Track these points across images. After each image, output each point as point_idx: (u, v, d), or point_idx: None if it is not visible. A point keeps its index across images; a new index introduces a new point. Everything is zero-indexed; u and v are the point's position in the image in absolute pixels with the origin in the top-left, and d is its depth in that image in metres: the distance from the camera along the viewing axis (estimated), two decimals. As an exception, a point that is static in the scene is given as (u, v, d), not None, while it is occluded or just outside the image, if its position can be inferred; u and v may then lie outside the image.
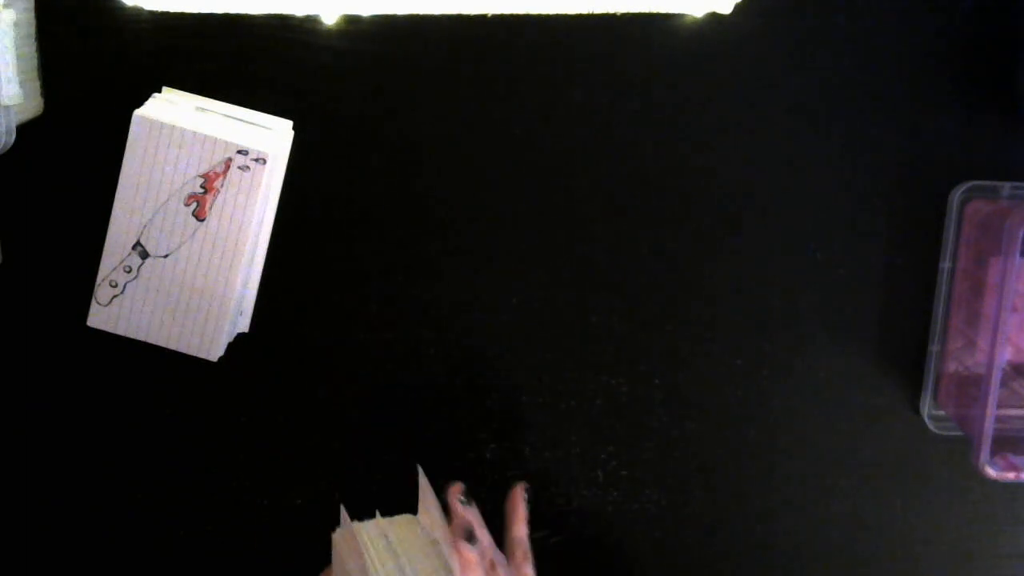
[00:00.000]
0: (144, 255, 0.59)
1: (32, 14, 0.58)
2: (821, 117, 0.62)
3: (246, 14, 0.58)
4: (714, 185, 0.62)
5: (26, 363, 0.63)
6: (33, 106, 0.59)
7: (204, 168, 0.58)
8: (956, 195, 0.62)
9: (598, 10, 0.58)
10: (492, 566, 0.51)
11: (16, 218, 0.61)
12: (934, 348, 0.64)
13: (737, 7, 0.58)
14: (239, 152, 0.58)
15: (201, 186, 0.58)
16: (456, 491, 0.54)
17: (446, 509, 0.53)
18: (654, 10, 0.58)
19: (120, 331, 0.60)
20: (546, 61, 0.60)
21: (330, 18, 0.58)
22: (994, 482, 0.60)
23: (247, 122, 0.60)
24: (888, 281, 0.64)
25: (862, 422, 0.65)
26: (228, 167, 0.58)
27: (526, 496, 0.58)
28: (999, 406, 0.58)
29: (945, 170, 0.62)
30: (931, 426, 0.64)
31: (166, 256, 0.59)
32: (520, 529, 0.56)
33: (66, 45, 0.59)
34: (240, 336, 0.63)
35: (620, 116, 0.61)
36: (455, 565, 0.48)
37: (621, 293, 0.63)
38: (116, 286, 0.59)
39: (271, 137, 0.59)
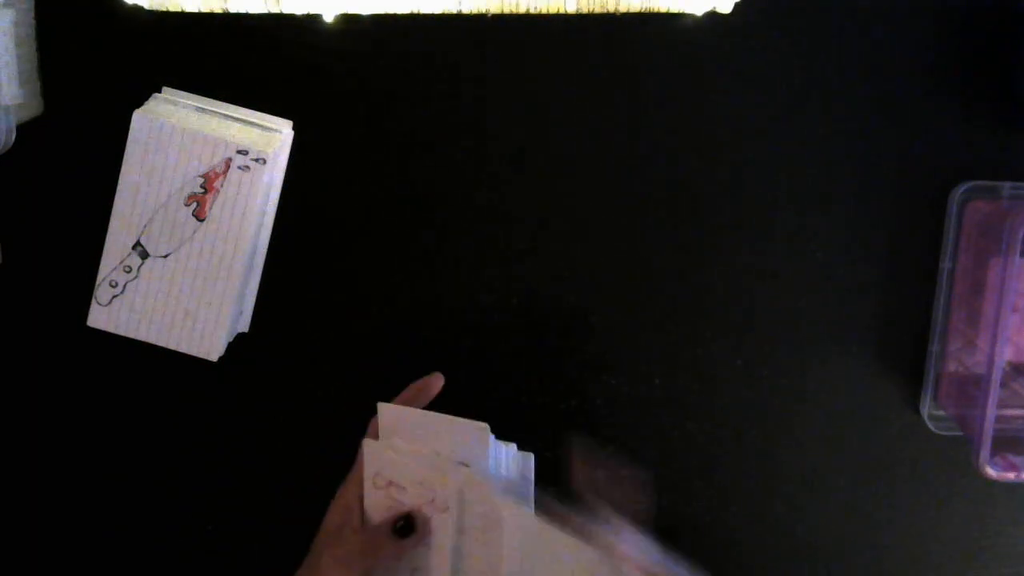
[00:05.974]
0: (144, 255, 0.59)
1: (32, 14, 0.58)
2: (821, 117, 0.62)
3: (246, 14, 0.58)
4: (714, 184, 0.62)
5: (26, 363, 0.63)
6: (33, 106, 0.59)
7: (204, 168, 0.58)
8: (956, 195, 0.62)
9: (598, 10, 0.58)
10: None
11: (16, 218, 0.61)
12: (934, 348, 0.64)
13: (737, 6, 0.58)
14: (239, 152, 0.58)
15: (201, 186, 0.58)
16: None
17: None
18: (654, 9, 0.58)
19: (120, 331, 0.60)
20: (546, 61, 0.60)
21: (330, 17, 0.58)
22: (994, 482, 0.60)
23: (247, 122, 0.60)
24: (888, 281, 0.64)
25: (862, 422, 0.65)
26: (228, 167, 0.58)
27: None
28: (999, 406, 0.58)
29: (945, 170, 0.62)
30: (931, 426, 0.64)
31: (166, 256, 0.59)
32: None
33: (66, 45, 0.59)
34: (240, 336, 0.63)
35: (620, 115, 0.61)
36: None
37: (621, 293, 0.63)
38: (116, 286, 0.59)
39: (271, 137, 0.59)
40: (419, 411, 0.53)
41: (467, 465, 0.50)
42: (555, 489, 0.54)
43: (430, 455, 0.51)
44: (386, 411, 0.53)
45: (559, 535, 0.48)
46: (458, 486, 0.50)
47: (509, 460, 0.52)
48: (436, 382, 0.58)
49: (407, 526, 0.51)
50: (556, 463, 0.61)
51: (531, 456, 0.53)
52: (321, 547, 0.53)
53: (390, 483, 0.52)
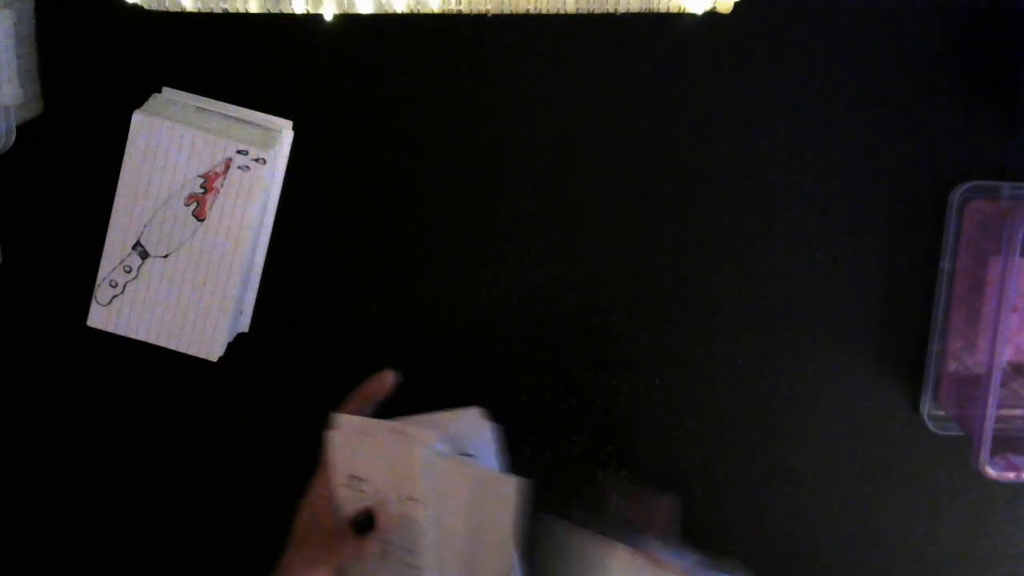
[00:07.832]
0: (144, 255, 0.59)
1: (32, 14, 0.58)
2: (821, 117, 0.62)
3: (246, 13, 0.58)
4: (714, 184, 0.62)
5: (26, 363, 0.63)
6: (33, 106, 0.59)
7: (204, 168, 0.58)
8: (956, 195, 0.62)
9: (598, 10, 0.58)
10: None
11: (16, 218, 0.61)
12: (934, 348, 0.64)
13: (737, 6, 0.58)
14: (239, 152, 0.58)
15: (201, 186, 0.58)
16: None
17: None
18: (654, 9, 0.58)
19: (120, 331, 0.60)
20: (546, 61, 0.60)
21: (330, 17, 0.58)
22: (994, 482, 0.60)
23: (247, 122, 0.60)
24: (888, 281, 0.64)
25: (862, 422, 0.65)
26: (228, 167, 0.58)
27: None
28: (999, 406, 0.58)
29: (945, 170, 0.62)
30: (931, 426, 0.64)
31: (166, 256, 0.59)
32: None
33: (66, 45, 0.59)
34: (240, 336, 0.63)
35: (620, 115, 0.61)
36: None
37: (621, 293, 0.63)
38: (116, 286, 0.59)
39: (271, 137, 0.59)
40: (369, 420, 0.53)
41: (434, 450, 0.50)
42: (593, 518, 0.54)
43: (395, 443, 0.51)
44: (343, 422, 0.53)
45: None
46: (430, 471, 0.50)
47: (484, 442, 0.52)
48: (387, 378, 0.56)
49: (367, 522, 0.51)
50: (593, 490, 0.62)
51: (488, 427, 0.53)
52: (290, 550, 0.52)
53: (354, 477, 0.52)
